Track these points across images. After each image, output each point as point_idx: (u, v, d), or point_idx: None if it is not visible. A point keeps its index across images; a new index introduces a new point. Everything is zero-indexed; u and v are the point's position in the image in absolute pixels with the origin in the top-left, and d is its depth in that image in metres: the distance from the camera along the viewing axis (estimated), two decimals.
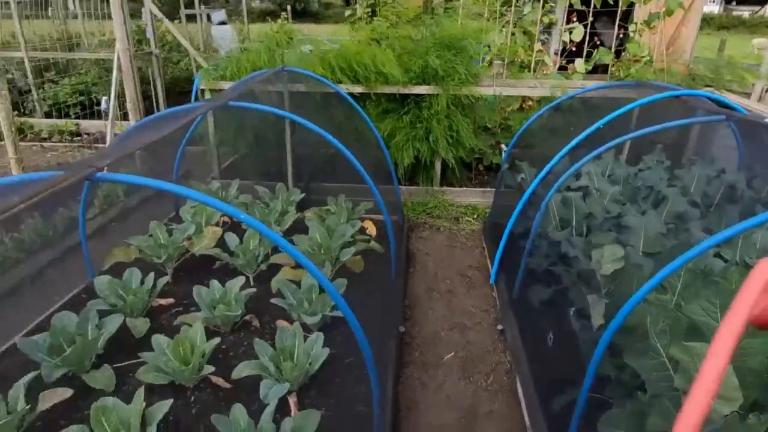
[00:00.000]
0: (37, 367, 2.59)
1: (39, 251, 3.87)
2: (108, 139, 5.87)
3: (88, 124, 8.22)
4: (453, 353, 3.36)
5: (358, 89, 4.96)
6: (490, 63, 5.57)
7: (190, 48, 7.46)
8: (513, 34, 5.60)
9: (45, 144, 7.65)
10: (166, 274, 3.55)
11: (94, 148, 7.53)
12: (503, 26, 5.73)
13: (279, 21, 12.63)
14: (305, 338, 2.75)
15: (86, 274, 3.64)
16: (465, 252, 4.70)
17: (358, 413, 2.57)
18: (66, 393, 2.40)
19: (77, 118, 8.38)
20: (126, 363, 2.81)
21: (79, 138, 7.91)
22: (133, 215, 4.94)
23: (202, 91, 5.21)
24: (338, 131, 4.38)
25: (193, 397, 2.62)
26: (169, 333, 2.87)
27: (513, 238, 3.85)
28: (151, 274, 3.26)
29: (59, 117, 8.33)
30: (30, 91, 8.75)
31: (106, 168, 1.94)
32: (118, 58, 5.83)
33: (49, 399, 2.34)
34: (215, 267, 3.84)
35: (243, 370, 2.58)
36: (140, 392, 2.28)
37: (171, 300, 3.43)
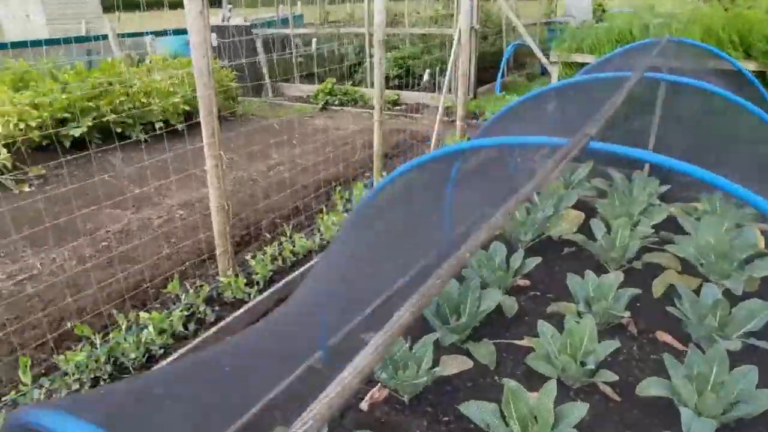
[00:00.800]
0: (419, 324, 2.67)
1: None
2: (440, 110, 6.08)
3: (406, 95, 8.83)
4: None
5: (750, 66, 4.02)
6: None
7: (517, 21, 7.30)
8: None
9: (371, 111, 8.45)
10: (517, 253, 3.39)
11: (411, 117, 8.03)
12: None
13: None
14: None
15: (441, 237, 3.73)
16: None
17: None
18: (466, 364, 2.37)
19: (397, 89, 9.07)
20: (501, 341, 2.71)
21: (398, 107, 8.55)
22: (466, 186, 4.98)
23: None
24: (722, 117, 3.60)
25: (578, 401, 2.36)
26: (540, 318, 2.69)
27: None
28: (520, 253, 3.12)
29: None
30: (360, 63, 9.83)
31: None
32: (460, 33, 5.93)
33: (451, 365, 2.34)
34: (564, 253, 3.56)
35: (649, 387, 2.21)
36: (551, 387, 2.09)
37: (527, 281, 3.26)
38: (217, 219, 3.29)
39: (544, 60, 6.41)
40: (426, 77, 8.06)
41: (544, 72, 10.34)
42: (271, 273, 3.56)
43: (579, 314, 2.79)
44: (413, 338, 2.49)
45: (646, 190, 3.94)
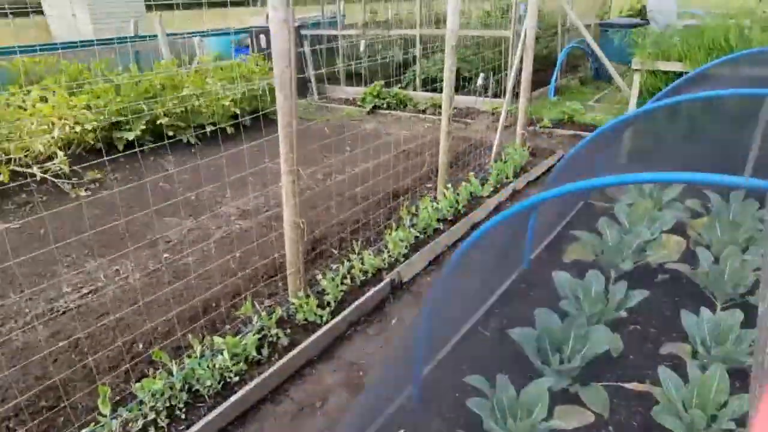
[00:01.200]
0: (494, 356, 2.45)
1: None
2: (502, 116, 5.82)
3: (457, 99, 8.55)
4: None
5: None
6: None
7: (579, 23, 6.96)
8: None
9: (421, 115, 8.24)
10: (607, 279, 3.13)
11: (464, 122, 7.78)
12: None
13: None
14: None
15: (521, 261, 3.49)
16: None
17: None
18: (584, 416, 2.14)
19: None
20: (609, 384, 2.46)
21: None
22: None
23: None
24: None
25: None
26: (650, 361, 2.44)
27: None
28: (622, 284, 2.86)
29: (429, 91, 8.90)
30: (407, 65, 9.60)
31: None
32: (525, 35, 5.66)
33: (569, 417, 2.11)
34: (657, 280, 3.28)
35: None
36: None
37: (624, 314, 2.99)
38: (290, 236, 3.11)
39: (608, 64, 6.07)
40: (480, 81, 7.78)
41: (597, 75, 9.95)
42: (342, 293, 3.38)
43: (694, 355, 2.53)
44: (505, 370, 2.27)
45: (747, 212, 3.63)
